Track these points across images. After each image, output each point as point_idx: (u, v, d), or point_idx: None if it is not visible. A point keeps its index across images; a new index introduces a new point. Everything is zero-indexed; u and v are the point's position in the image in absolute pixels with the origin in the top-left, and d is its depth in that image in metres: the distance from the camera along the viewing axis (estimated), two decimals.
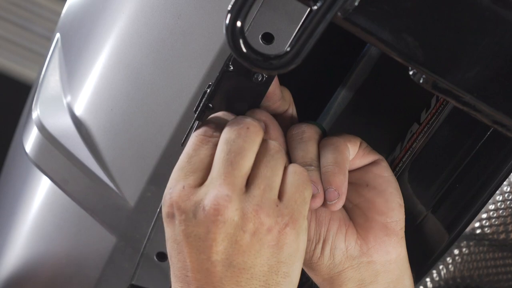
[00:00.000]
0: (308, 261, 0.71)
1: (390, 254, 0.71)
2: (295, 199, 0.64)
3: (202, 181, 0.64)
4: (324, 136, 0.73)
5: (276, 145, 0.66)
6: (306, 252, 0.69)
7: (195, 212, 0.62)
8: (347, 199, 0.71)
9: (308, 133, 0.71)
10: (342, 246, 0.71)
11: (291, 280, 0.64)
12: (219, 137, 0.65)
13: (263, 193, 0.63)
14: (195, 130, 0.67)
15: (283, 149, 0.67)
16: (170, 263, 0.65)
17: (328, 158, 0.69)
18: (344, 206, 0.73)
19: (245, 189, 0.63)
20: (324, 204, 0.68)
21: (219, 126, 0.66)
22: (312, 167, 0.69)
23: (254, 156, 0.64)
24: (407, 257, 0.73)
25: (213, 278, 0.62)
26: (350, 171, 0.71)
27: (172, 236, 0.64)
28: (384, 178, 0.72)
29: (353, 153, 0.71)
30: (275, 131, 0.70)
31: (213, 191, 0.62)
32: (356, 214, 0.73)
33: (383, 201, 0.71)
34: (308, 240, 0.70)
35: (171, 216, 0.64)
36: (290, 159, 0.70)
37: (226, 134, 0.65)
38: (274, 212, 0.63)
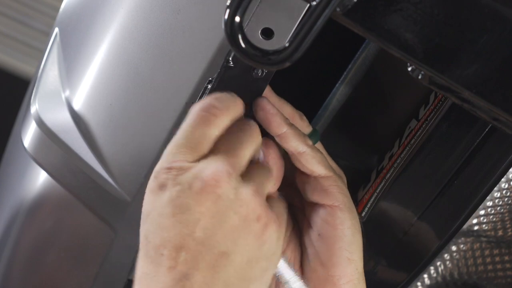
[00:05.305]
0: None
1: None
2: (281, 211, 0.65)
3: (200, 159, 0.62)
4: (316, 141, 0.73)
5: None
6: None
7: (191, 183, 0.60)
8: (302, 243, 0.72)
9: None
10: None
11: (268, 278, 0.63)
12: (220, 116, 0.64)
13: (260, 185, 0.63)
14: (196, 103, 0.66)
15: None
16: (141, 245, 0.62)
17: None
18: (297, 251, 0.73)
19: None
20: None
21: (222, 105, 0.65)
22: None
23: (252, 152, 0.65)
24: None
25: (188, 258, 0.59)
26: (308, 206, 0.72)
27: (158, 209, 0.61)
28: (337, 231, 0.70)
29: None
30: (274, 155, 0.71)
31: (214, 165, 0.61)
32: (304, 260, 0.72)
33: (328, 255, 0.70)
34: None
35: (163, 188, 0.61)
36: None
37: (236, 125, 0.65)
38: (266, 204, 0.63)
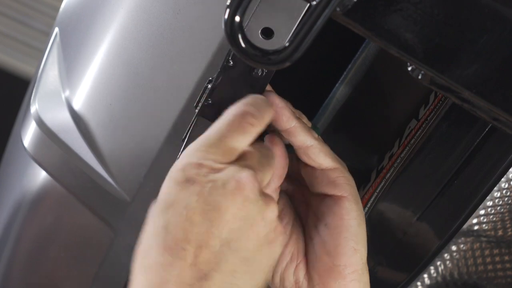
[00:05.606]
0: None
1: None
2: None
3: (229, 164, 0.62)
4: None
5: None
6: None
7: (226, 182, 0.60)
8: (307, 233, 0.72)
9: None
10: (291, 278, 0.72)
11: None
12: (256, 126, 0.64)
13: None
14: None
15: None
16: (156, 234, 0.59)
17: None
18: (300, 243, 0.73)
19: None
20: None
21: (259, 117, 0.65)
22: None
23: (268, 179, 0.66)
24: None
25: (211, 258, 0.59)
26: (314, 197, 0.72)
27: (184, 202, 0.59)
28: (344, 221, 0.71)
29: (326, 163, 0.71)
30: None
31: (248, 172, 0.61)
32: (309, 250, 0.73)
33: (334, 245, 0.71)
34: None
35: (191, 182, 0.60)
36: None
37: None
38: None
